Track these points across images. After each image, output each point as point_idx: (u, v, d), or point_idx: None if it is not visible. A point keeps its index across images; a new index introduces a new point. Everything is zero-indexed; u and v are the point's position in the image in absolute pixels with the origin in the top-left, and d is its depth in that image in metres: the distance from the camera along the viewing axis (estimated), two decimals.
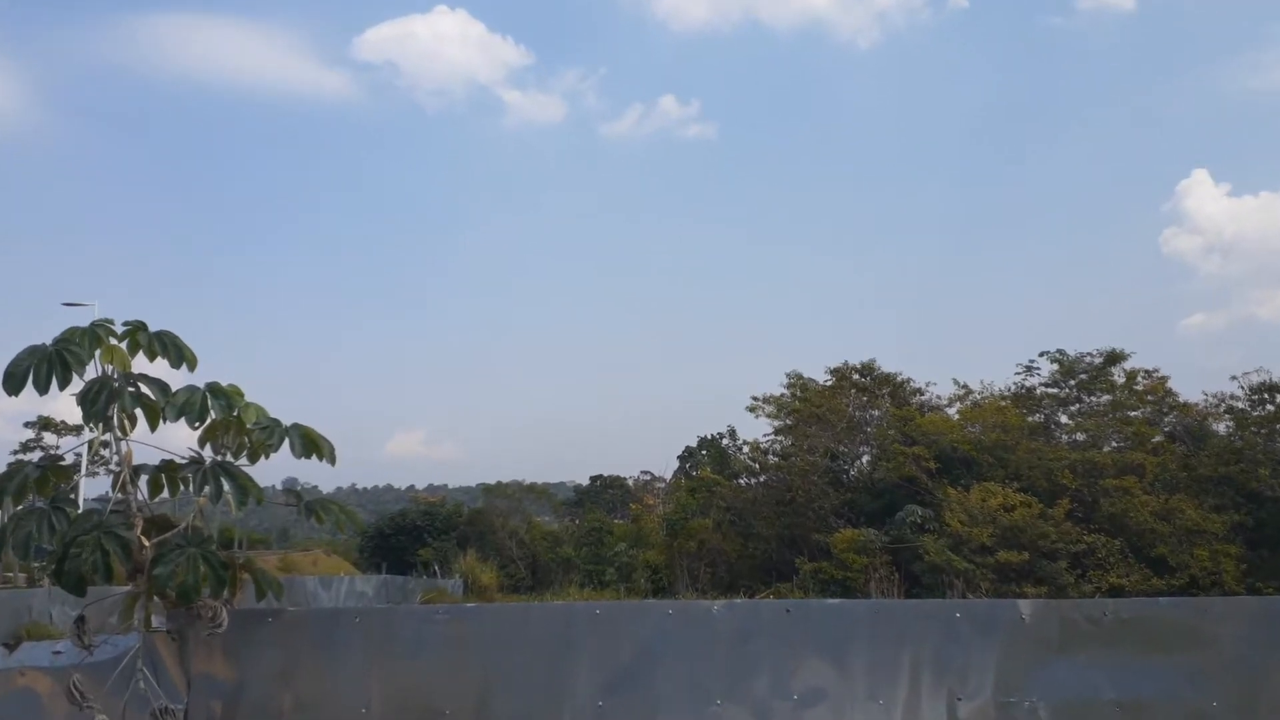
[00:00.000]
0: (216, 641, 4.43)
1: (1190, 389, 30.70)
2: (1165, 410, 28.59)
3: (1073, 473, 25.21)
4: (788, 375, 33.93)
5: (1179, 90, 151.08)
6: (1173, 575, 22.59)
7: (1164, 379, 28.81)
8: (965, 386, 31.76)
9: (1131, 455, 25.69)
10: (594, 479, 62.97)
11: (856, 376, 33.23)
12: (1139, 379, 28.94)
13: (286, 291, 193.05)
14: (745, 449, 35.66)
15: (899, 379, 33.15)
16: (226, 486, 4.30)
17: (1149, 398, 28.51)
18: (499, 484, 53.69)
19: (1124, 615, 4.50)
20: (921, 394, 33.07)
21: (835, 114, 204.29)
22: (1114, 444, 27.77)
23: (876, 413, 32.17)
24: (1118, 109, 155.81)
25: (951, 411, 31.40)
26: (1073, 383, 29.79)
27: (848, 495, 30.21)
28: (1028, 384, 30.85)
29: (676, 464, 45.18)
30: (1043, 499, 24.27)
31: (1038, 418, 29.94)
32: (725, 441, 39.99)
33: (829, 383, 33.49)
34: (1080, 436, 28.49)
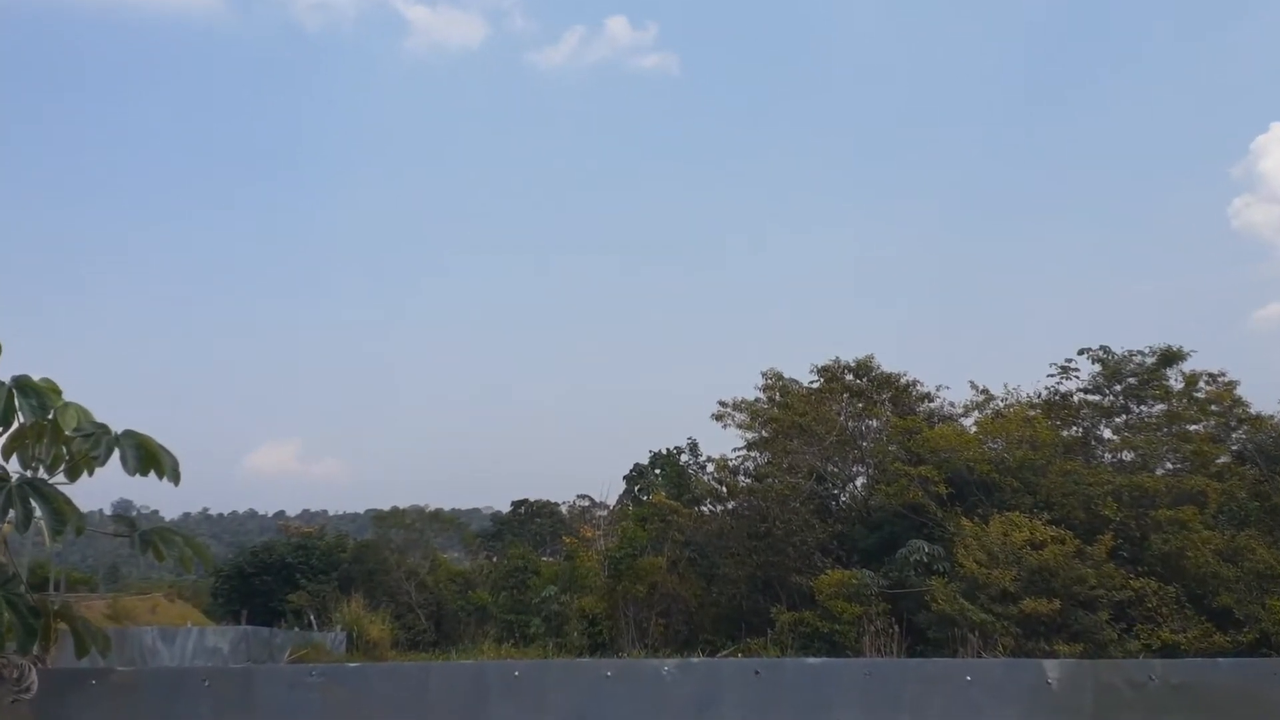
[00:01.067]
0: (24, 710, 4.34)
1: (1265, 397, 31.01)
2: (1233, 424, 28.96)
3: (1117, 501, 25.53)
4: (764, 375, 34.33)
5: (1258, 24, 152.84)
6: (1239, 630, 22.84)
7: (1232, 384, 29.22)
8: (985, 391, 32.27)
9: (1190, 480, 25.95)
10: (517, 505, 63.08)
11: (850, 377, 33.60)
12: (1201, 384, 29.35)
13: (117, 266, 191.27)
14: (710, 467, 35.99)
15: (902, 381, 33.60)
16: (38, 510, 4.20)
17: (1213, 408, 28.86)
18: (394, 510, 53.59)
19: (1175, 679, 4.51)
20: (930, 400, 33.51)
21: (830, 49, 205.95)
22: (1169, 465, 28.14)
23: (874, 423, 32.57)
24: (1180, 46, 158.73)
25: (967, 422, 31.86)
26: (1118, 388, 30.22)
27: (837, 527, 30.47)
28: (1063, 389, 31.34)
29: (622, 486, 45.31)
30: (1080, 534, 24.54)
31: (1075, 431, 30.42)
32: (684, 458, 40.28)
33: (815, 385, 33.78)
34: (1127, 456, 28.96)
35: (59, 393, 4.44)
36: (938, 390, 33.55)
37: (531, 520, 58.89)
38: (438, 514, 53.96)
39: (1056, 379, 31.34)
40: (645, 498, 39.69)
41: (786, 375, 34.30)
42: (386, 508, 54.41)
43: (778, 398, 33.58)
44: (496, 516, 66.08)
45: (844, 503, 32.47)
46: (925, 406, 33.20)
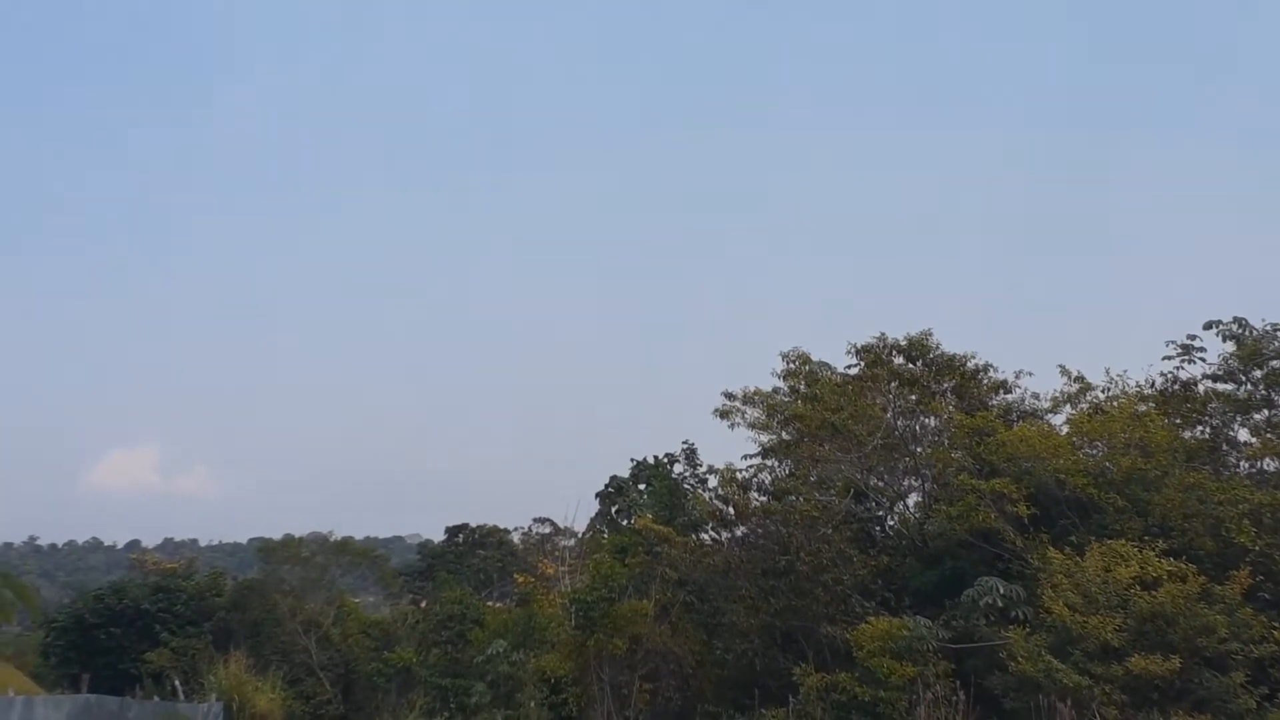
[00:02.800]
0: None
1: None
2: None
3: (1257, 525, 25.36)
4: (784, 357, 34.45)
5: None
6: None
7: None
8: (1080, 380, 32.45)
9: None
10: (453, 532, 63.46)
11: (900, 361, 33.57)
12: None
13: None
14: (712, 481, 36.01)
15: (970, 365, 33.66)
16: None
17: None
18: (288, 540, 53.34)
19: None
20: (1007, 391, 33.67)
21: None
22: None
23: (932, 421, 32.77)
24: None
25: (1057, 421, 32.05)
26: (1258, 375, 29.95)
27: (882, 560, 30.57)
28: (1184, 376, 31.26)
29: (594, 507, 45.46)
30: (1207, 568, 24.39)
31: (1200, 432, 30.45)
32: (678, 469, 40.69)
33: (853, 369, 33.81)
34: (1270, 465, 28.89)
35: None
36: (1017, 378, 33.71)
37: (473, 552, 58.82)
38: (346, 544, 53.61)
39: (1176, 363, 31.06)
40: (626, 521, 40.09)
41: (815, 358, 34.57)
42: (277, 536, 54.48)
43: (803, 388, 33.76)
44: (426, 547, 65.75)
45: (892, 528, 32.80)
46: (1000, 399, 33.32)
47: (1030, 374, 34.04)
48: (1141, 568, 24.28)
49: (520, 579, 43.41)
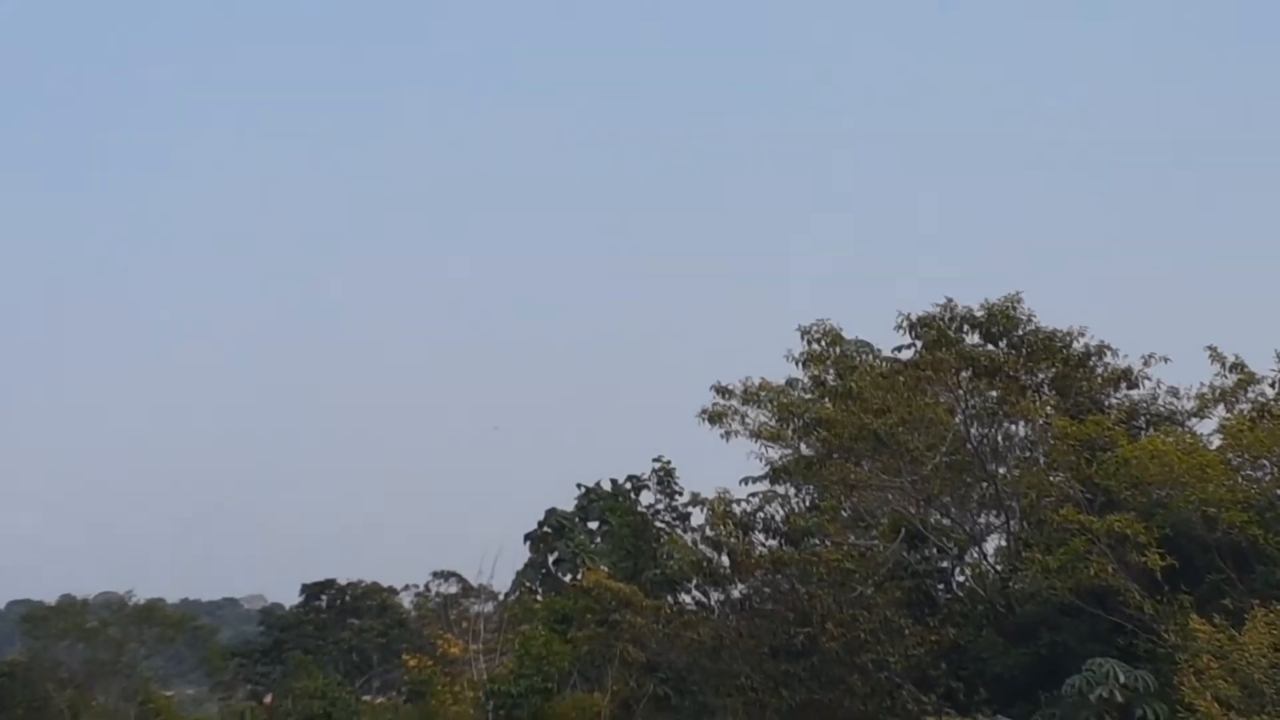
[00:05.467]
0: None
1: None
2: None
3: None
4: (805, 334, 34.66)
5: None
6: None
7: None
8: (1240, 367, 32.29)
9: None
10: (313, 592, 63.30)
11: (973, 338, 33.81)
12: None
13: None
14: (697, 517, 36.55)
15: (1077, 346, 33.94)
16: None
17: None
18: (67, 604, 53.15)
19: None
20: (1132, 385, 33.91)
21: None
22: None
23: (1021, 428, 33.26)
24: None
25: (1204, 429, 32.39)
26: None
27: (947, 634, 30.69)
28: None
29: (524, 555, 45.22)
30: None
31: None
32: (648, 498, 41.39)
33: (905, 352, 34.25)
34: None
35: None
36: (1146, 365, 33.70)
37: (343, 622, 58.49)
38: (152, 611, 52.92)
39: None
40: (569, 576, 39.72)
41: (849, 336, 34.85)
42: (50, 599, 53.89)
43: (832, 379, 33.94)
44: (273, 615, 64.39)
45: (962, 586, 33.24)
46: (1122, 397, 33.60)
47: (1166, 359, 33.71)
48: None
49: (412, 661, 43.14)
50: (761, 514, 33.68)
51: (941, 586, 33.08)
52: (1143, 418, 32.94)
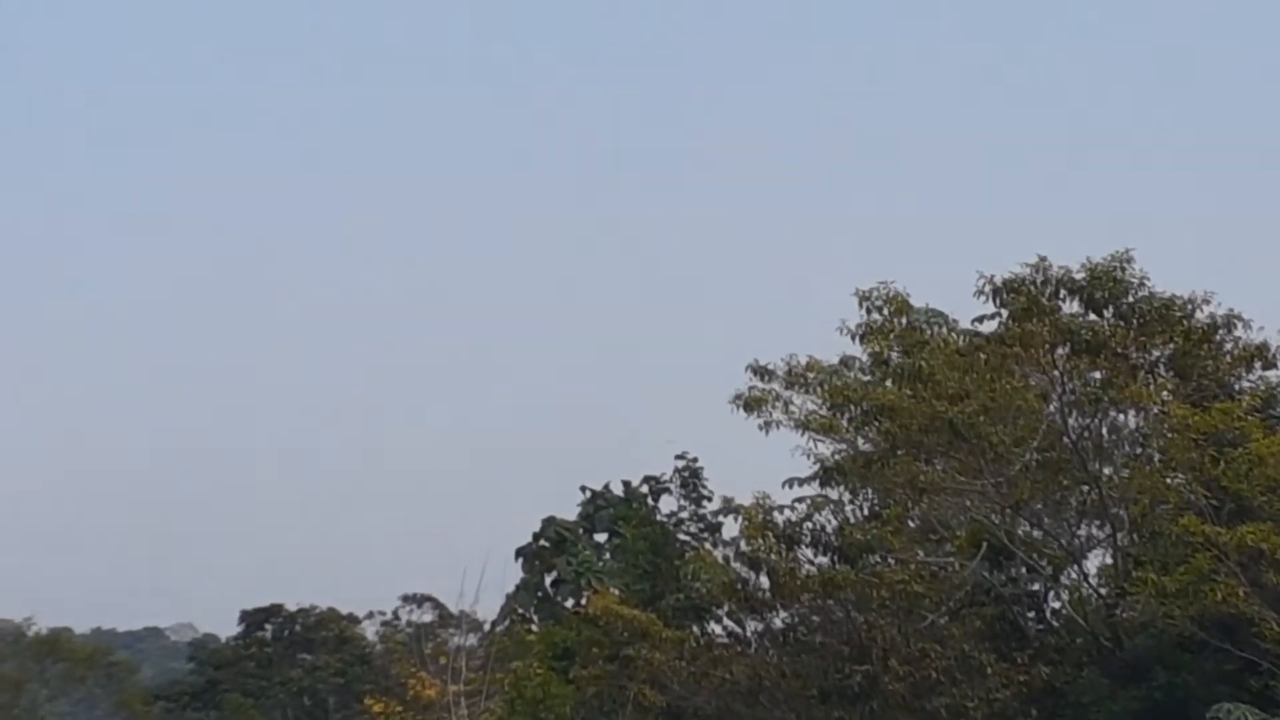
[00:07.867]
0: None
1: None
2: None
3: None
4: (863, 300, 32.61)
5: None
6: None
7: None
8: None
9: None
10: (256, 621, 65.85)
11: (1072, 308, 32.27)
12: None
13: None
14: (730, 528, 35.15)
15: (1200, 316, 32.19)
16: None
17: None
18: None
19: None
20: (1269, 364, 32.43)
21: None
22: None
23: (1132, 419, 31.86)
24: None
25: None
26: None
27: (1040, 673, 29.32)
28: None
29: (516, 575, 45.98)
30: None
31: None
32: (668, 505, 42.00)
33: (987, 323, 33.00)
34: None
35: None
36: None
37: (292, 658, 58.97)
38: (57, 643, 54.63)
39: None
40: (571, 601, 39.28)
41: (918, 304, 32.56)
42: None
43: (896, 357, 31.44)
44: (206, 648, 68.20)
45: (1058, 614, 30.99)
46: (1255, 379, 32.05)
47: None
48: None
49: (378, 706, 42.35)
50: (809, 524, 31.39)
51: (1032, 614, 31.10)
52: None
